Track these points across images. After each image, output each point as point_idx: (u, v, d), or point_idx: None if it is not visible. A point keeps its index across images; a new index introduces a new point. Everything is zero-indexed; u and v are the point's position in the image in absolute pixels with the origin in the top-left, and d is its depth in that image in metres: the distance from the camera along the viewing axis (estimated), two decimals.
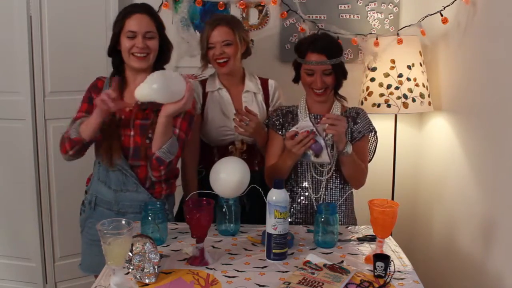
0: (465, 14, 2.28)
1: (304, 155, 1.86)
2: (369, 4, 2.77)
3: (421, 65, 2.54)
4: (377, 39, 2.59)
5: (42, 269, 2.69)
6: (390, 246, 1.76)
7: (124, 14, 1.90)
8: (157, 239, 1.68)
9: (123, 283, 1.40)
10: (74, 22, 2.56)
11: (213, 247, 1.74)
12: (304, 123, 1.83)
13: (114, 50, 1.93)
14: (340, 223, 1.96)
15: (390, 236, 1.82)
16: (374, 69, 2.55)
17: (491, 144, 2.05)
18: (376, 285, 1.47)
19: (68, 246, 2.68)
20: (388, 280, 1.49)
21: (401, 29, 2.65)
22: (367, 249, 1.74)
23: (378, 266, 1.50)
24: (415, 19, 2.60)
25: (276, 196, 1.62)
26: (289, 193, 1.93)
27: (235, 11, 2.73)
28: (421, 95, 2.50)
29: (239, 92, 2.22)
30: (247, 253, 1.69)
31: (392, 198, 2.68)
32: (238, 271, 1.56)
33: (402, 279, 1.52)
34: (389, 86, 2.50)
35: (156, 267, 1.48)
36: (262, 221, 1.70)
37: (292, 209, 2.04)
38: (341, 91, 2.08)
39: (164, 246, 1.73)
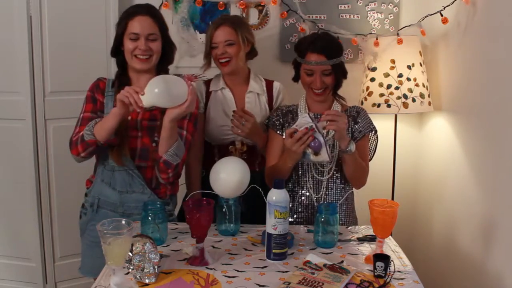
0: (465, 14, 2.28)
1: (303, 155, 1.85)
2: (369, 4, 2.77)
3: (421, 65, 2.54)
4: (377, 39, 2.59)
5: (42, 269, 2.69)
6: (390, 246, 1.75)
7: (127, 15, 1.89)
8: (157, 239, 1.68)
9: (123, 283, 1.40)
10: (74, 22, 2.56)
11: (213, 247, 1.74)
12: (303, 120, 1.82)
13: (118, 51, 1.93)
14: (341, 222, 1.97)
15: (390, 236, 1.82)
16: (374, 69, 2.55)
17: (491, 144, 2.05)
18: (376, 285, 1.47)
19: (68, 246, 2.68)
20: (388, 280, 1.49)
21: (401, 29, 2.65)
22: (367, 249, 1.74)
23: (378, 266, 1.50)
24: (415, 19, 2.60)
25: (276, 196, 1.62)
26: (289, 193, 1.92)
27: (235, 11, 2.73)
28: (421, 95, 2.49)
29: (242, 92, 2.22)
30: (247, 253, 1.69)
31: (392, 198, 2.68)
32: (238, 271, 1.55)
33: (402, 279, 1.51)
34: (389, 86, 2.50)
35: (156, 267, 1.48)
36: (262, 221, 1.70)
37: (293, 209, 2.04)
38: (341, 91, 2.08)
39: (164, 246, 1.73)
